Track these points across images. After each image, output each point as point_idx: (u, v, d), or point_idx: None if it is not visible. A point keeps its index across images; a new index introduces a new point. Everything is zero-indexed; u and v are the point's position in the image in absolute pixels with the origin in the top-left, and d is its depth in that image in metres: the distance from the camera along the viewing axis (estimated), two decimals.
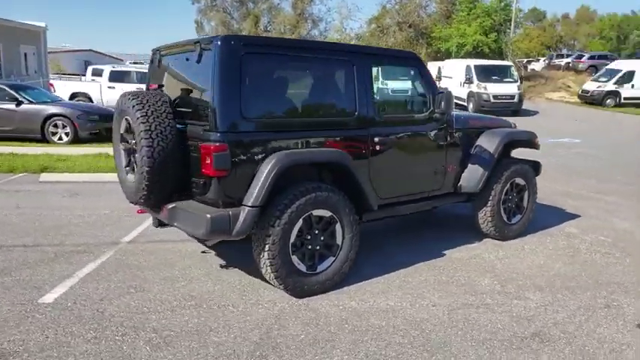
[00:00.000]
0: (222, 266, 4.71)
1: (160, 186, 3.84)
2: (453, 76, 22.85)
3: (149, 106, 3.77)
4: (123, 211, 6.38)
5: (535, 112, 22.29)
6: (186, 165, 3.90)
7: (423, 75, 4.83)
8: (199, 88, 3.90)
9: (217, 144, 3.57)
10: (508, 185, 5.38)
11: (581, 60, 36.88)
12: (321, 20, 43.25)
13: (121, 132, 4.17)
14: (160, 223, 4.59)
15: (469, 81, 21.82)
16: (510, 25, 32.62)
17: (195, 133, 3.82)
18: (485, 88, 21.04)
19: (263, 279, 4.27)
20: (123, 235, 5.60)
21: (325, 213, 3.98)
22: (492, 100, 20.73)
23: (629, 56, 43.44)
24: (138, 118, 3.73)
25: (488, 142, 5.23)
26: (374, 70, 4.55)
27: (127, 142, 4.13)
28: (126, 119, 4.01)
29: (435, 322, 3.62)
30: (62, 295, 4.03)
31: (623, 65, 27.17)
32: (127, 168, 4.19)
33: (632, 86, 25.41)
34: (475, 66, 22.07)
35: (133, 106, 3.77)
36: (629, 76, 25.59)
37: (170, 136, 3.77)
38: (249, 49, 3.73)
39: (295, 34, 41.47)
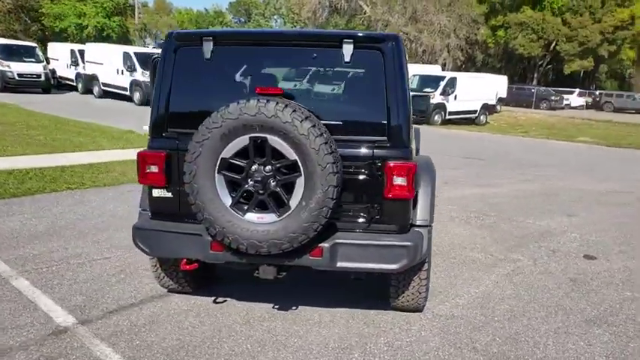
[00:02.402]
0: (280, 308, 3.90)
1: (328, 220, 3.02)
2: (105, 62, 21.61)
3: (315, 120, 2.89)
4: None
5: None
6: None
7: None
8: (355, 94, 3.20)
9: (412, 161, 3.14)
10: None
11: None
12: None
13: (224, 156, 2.93)
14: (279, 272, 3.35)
15: (130, 68, 20.89)
16: (134, 11, 32.16)
17: (352, 150, 3.14)
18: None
19: (347, 306, 3.94)
20: (44, 318, 3.67)
21: None
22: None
23: None
24: (316, 137, 2.82)
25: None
26: None
27: (242, 170, 2.96)
28: (252, 138, 2.88)
29: (524, 295, 4.32)
30: None
31: None
32: (236, 206, 3.00)
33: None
34: (135, 53, 21.24)
35: (302, 120, 2.81)
36: None
37: (340, 158, 3.01)
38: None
39: None
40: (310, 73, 3.31)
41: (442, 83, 20.54)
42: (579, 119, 28.71)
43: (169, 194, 3.35)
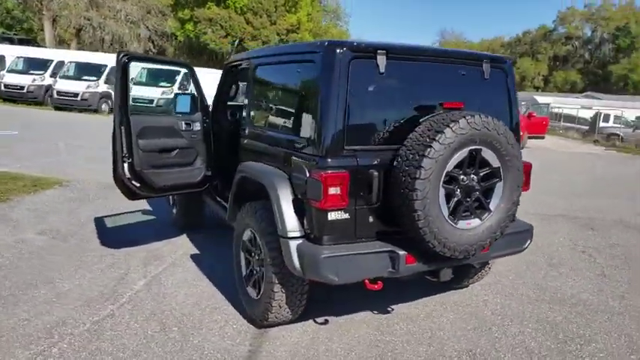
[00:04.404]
0: (380, 312, 4.03)
1: None
2: None
3: None
4: None
5: None
6: None
7: None
8: (491, 105, 3.61)
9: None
10: None
11: None
12: None
13: (447, 169, 3.04)
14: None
15: None
16: None
17: None
18: None
19: (409, 299, 4.36)
20: None
21: None
22: None
23: None
24: (517, 145, 3.27)
25: None
26: None
27: (453, 181, 3.14)
28: (470, 151, 3.09)
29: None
30: None
31: None
32: (449, 217, 3.14)
33: None
34: None
35: (504, 132, 3.19)
36: None
37: None
38: None
39: None
40: (461, 87, 3.57)
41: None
42: None
43: (347, 215, 3.13)
